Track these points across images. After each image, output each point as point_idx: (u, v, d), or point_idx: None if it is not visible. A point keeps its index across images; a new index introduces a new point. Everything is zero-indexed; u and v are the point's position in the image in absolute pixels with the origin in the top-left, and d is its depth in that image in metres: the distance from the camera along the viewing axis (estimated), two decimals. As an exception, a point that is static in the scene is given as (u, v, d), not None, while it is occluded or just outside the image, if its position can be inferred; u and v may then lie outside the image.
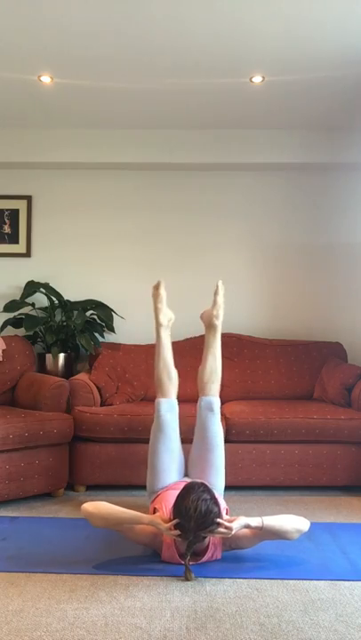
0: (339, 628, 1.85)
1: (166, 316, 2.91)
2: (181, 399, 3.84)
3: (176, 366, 3.95)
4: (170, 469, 2.65)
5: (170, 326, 2.92)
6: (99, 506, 2.28)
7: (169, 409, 2.74)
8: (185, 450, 3.32)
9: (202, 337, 4.14)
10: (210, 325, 2.89)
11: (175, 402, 2.80)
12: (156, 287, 2.93)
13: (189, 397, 3.85)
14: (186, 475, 2.75)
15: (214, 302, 2.90)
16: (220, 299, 2.90)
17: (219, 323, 2.87)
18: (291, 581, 2.18)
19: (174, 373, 2.85)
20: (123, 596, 2.06)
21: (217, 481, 2.64)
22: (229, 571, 2.26)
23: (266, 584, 2.16)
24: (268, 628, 1.84)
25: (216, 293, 2.91)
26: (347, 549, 2.48)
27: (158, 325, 2.88)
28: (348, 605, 2.00)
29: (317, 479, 3.33)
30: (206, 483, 2.52)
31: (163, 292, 2.91)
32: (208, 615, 1.92)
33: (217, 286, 2.93)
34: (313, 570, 2.28)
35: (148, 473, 2.69)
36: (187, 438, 3.28)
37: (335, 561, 2.37)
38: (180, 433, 3.26)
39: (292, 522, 2.29)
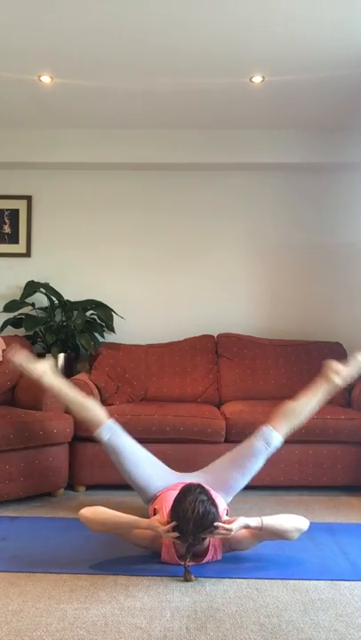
0: (339, 627, 1.85)
1: (42, 366, 2.76)
2: (181, 399, 3.86)
3: (175, 366, 3.98)
4: (152, 477, 2.58)
5: (52, 370, 2.77)
6: (96, 511, 2.27)
7: (110, 433, 2.63)
8: (186, 449, 3.32)
9: (202, 337, 4.14)
10: (325, 377, 2.75)
11: (111, 422, 2.66)
12: (13, 356, 2.78)
13: (189, 397, 3.86)
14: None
15: (349, 362, 2.75)
16: (356, 364, 2.74)
17: (335, 379, 2.71)
18: (291, 581, 2.18)
19: (90, 402, 2.70)
20: (123, 595, 2.06)
21: (224, 497, 2.57)
22: (229, 571, 2.25)
23: (266, 584, 2.16)
24: (268, 627, 1.84)
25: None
26: (347, 549, 2.48)
27: (44, 380, 2.74)
28: (348, 605, 2.00)
29: (317, 479, 3.33)
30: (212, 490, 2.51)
31: (20, 356, 2.77)
32: (208, 615, 1.92)
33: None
34: (313, 570, 2.28)
35: (136, 491, 2.64)
36: (186, 439, 3.29)
37: (335, 561, 2.37)
38: (180, 433, 3.27)
39: (292, 521, 2.28)
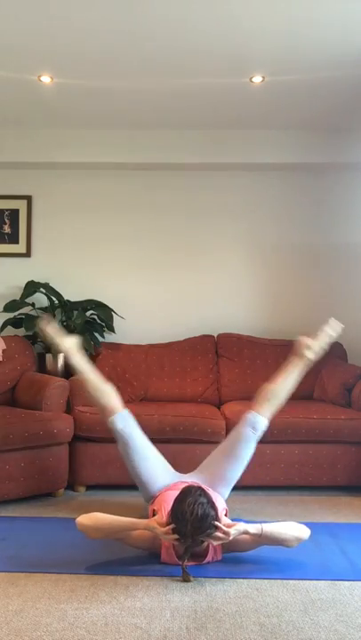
0: (339, 627, 1.85)
1: (69, 342, 2.79)
2: (181, 399, 3.86)
3: (175, 366, 3.98)
4: (156, 474, 2.60)
5: (78, 348, 2.79)
6: (93, 517, 2.25)
7: (124, 423, 2.63)
8: (186, 449, 3.32)
9: (202, 337, 4.14)
10: (298, 354, 2.83)
11: (126, 412, 2.68)
12: (45, 326, 2.80)
13: (189, 397, 3.86)
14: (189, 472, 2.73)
15: (318, 335, 2.86)
16: (325, 336, 2.86)
17: (308, 354, 2.82)
18: (291, 581, 2.18)
19: (108, 388, 2.70)
20: (123, 595, 2.06)
21: (223, 491, 2.60)
22: (229, 571, 2.25)
23: (266, 584, 2.16)
24: (268, 627, 1.84)
25: (324, 329, 2.87)
26: (347, 549, 2.48)
27: (70, 355, 2.76)
28: (348, 605, 2.00)
29: (317, 479, 3.33)
30: (211, 488, 2.51)
31: (52, 328, 2.80)
32: (208, 615, 1.92)
33: (329, 322, 2.89)
34: (313, 570, 2.28)
35: (138, 485, 2.65)
36: (186, 438, 3.29)
37: (335, 561, 2.37)
38: (180, 433, 3.27)
39: (293, 530, 2.26)
